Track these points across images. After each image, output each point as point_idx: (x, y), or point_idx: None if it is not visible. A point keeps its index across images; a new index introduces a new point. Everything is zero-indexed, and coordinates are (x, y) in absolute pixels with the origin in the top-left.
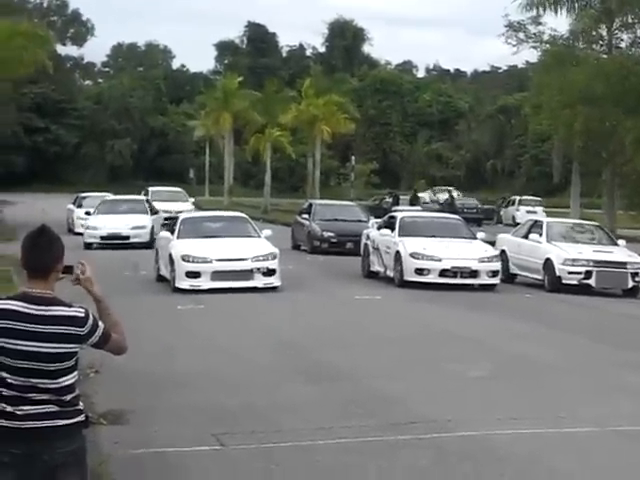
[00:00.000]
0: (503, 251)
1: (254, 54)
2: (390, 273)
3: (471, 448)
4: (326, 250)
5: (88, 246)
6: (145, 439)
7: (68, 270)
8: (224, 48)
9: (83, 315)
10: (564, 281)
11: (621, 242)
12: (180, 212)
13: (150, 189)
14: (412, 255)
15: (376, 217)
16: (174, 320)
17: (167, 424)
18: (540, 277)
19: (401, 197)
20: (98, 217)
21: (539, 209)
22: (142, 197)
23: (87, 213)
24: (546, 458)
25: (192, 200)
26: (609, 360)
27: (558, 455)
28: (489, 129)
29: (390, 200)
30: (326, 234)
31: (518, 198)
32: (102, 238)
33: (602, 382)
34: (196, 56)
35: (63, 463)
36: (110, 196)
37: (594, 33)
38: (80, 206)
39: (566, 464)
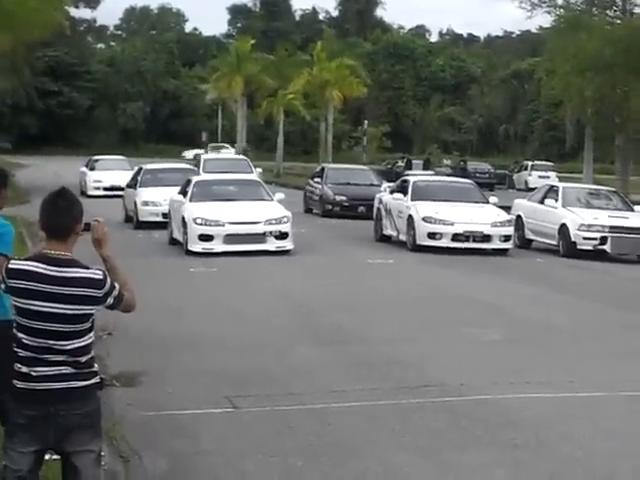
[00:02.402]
0: (519, 216)
1: (267, 18)
2: (402, 237)
3: (484, 412)
4: (338, 214)
5: (140, 225)
6: (158, 401)
7: (87, 227)
8: (237, 11)
9: (101, 277)
10: (579, 247)
11: (638, 208)
12: None
13: (203, 157)
14: (425, 219)
15: (388, 181)
16: (186, 283)
17: (179, 386)
18: (555, 243)
19: (414, 161)
20: (150, 190)
21: (552, 174)
22: (187, 166)
23: (130, 186)
24: (559, 422)
25: (259, 171)
26: (621, 324)
27: (571, 419)
28: (502, 94)
29: (402, 164)
30: (338, 198)
31: (531, 163)
32: (165, 216)
33: (614, 347)
34: (209, 19)
35: (78, 425)
36: (150, 165)
37: None
38: (93, 169)
39: (578, 428)
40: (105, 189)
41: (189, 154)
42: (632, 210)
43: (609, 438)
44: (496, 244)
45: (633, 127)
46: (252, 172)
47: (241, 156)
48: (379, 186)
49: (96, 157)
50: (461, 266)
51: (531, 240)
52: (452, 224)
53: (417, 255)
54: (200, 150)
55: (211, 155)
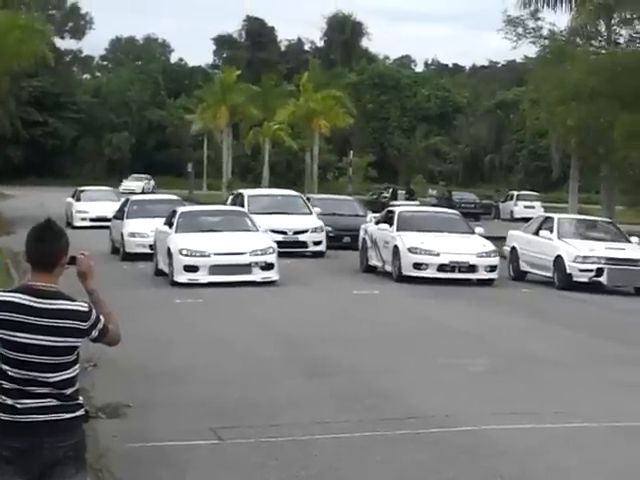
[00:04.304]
0: (514, 248)
1: (252, 48)
2: (388, 268)
3: (469, 443)
4: None
5: (127, 257)
6: (143, 433)
7: (73, 261)
8: (222, 42)
9: (86, 310)
10: (575, 279)
11: (634, 239)
12: (303, 232)
13: (246, 194)
14: (410, 250)
15: (374, 211)
16: (172, 314)
17: (165, 418)
18: (550, 275)
19: (399, 192)
20: (137, 222)
21: (537, 204)
22: (175, 197)
23: (117, 217)
24: (545, 453)
25: (318, 210)
26: (608, 356)
27: (557, 450)
28: (487, 124)
29: (388, 195)
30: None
31: (516, 193)
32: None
33: (601, 378)
34: (194, 50)
35: (63, 458)
36: (137, 196)
37: (593, 29)
38: (79, 200)
39: (564, 460)
40: (91, 220)
41: (136, 186)
42: (628, 241)
43: (595, 470)
44: (482, 274)
45: (618, 156)
46: (311, 213)
47: (294, 192)
48: (364, 216)
49: (82, 188)
50: (447, 297)
51: (526, 272)
52: (438, 254)
53: (403, 286)
54: (139, 182)
55: (257, 191)
